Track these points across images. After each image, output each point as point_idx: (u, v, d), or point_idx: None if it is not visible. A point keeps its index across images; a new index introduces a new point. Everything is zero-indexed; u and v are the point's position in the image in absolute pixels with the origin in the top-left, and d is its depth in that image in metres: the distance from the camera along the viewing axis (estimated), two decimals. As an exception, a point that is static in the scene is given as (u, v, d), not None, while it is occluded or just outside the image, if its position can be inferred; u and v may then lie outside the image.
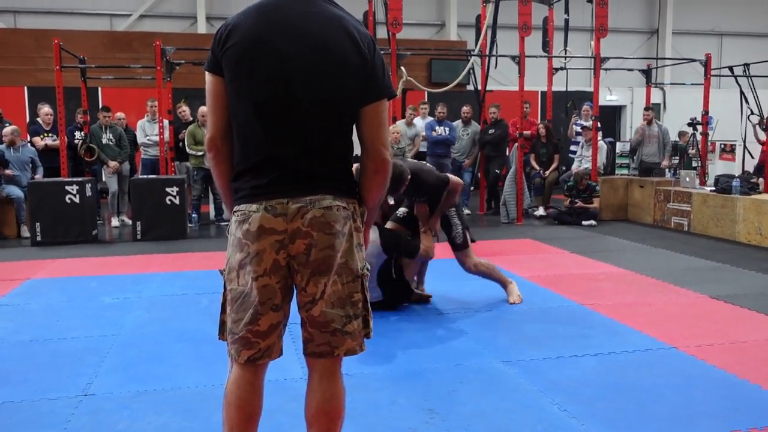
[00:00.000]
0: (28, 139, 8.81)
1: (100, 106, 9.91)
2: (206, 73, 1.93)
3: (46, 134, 8.73)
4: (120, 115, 9.49)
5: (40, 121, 8.84)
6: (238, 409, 1.98)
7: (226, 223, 8.47)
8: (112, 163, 8.68)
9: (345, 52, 1.87)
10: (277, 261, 1.88)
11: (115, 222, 8.93)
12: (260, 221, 1.85)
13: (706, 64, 10.02)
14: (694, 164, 11.12)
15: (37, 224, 7.45)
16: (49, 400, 3.03)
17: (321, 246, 1.87)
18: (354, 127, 1.96)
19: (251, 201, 1.87)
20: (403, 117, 9.86)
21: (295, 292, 1.98)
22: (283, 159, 1.87)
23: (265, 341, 1.94)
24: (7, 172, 7.84)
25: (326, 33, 1.87)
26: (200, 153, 8.38)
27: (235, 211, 1.93)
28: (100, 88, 12.46)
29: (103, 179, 8.95)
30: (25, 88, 12.80)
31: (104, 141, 8.72)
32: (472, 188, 10.24)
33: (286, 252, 1.87)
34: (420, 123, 9.93)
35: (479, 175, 10.32)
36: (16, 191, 7.87)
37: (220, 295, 1.99)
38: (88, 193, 7.70)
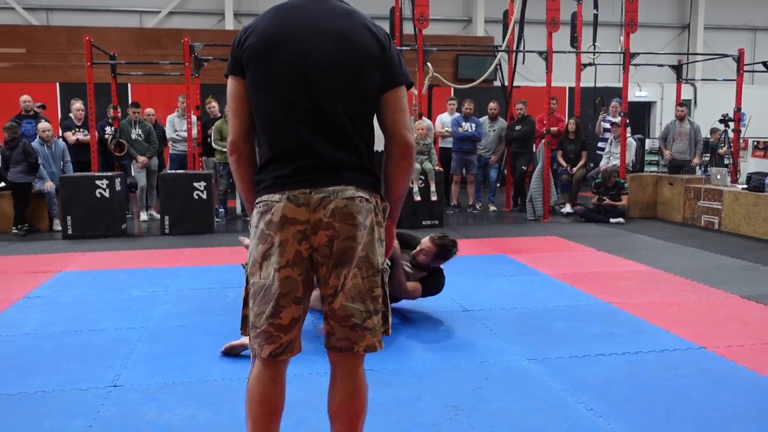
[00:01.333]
0: (60, 133, 8.97)
1: (130, 101, 10.05)
2: (228, 77, 1.96)
3: (77, 129, 8.89)
4: (150, 110, 9.62)
5: (72, 117, 8.99)
6: (260, 404, 1.99)
7: (253, 218, 8.32)
8: (141, 158, 8.79)
9: (366, 42, 1.91)
10: (299, 252, 1.87)
11: (143, 216, 9.06)
12: (283, 211, 1.85)
13: (739, 59, 9.82)
14: (725, 162, 10.93)
15: (68, 218, 7.59)
16: (80, 391, 3.09)
17: (343, 237, 1.86)
18: (375, 117, 1.98)
19: (274, 191, 1.87)
20: (429, 114, 9.84)
21: (317, 285, 1.98)
22: (307, 148, 1.87)
23: (287, 335, 1.94)
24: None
25: (347, 25, 1.91)
26: (226, 149, 8.46)
27: (257, 202, 1.92)
28: (129, 84, 12.64)
29: (132, 174, 9.08)
30: (57, 84, 13.03)
31: (133, 136, 8.84)
32: (498, 185, 10.19)
33: (308, 243, 1.87)
34: (447, 119, 9.90)
35: (506, 171, 10.26)
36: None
37: (242, 290, 1.99)
38: (118, 187, 7.81)
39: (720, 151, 11.02)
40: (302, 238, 1.86)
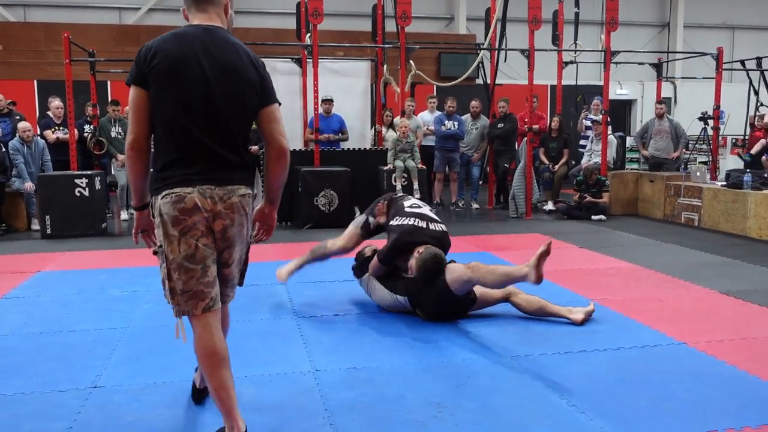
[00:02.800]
0: (39, 132, 8.85)
1: (110, 99, 9.94)
2: (131, 86, 2.32)
3: (57, 128, 8.77)
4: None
5: (51, 115, 8.87)
6: (211, 356, 2.39)
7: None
8: (121, 157, 8.70)
9: (248, 71, 2.40)
10: (208, 227, 2.36)
11: (124, 215, 8.96)
12: (194, 200, 2.30)
13: (718, 57, 9.93)
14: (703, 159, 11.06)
15: (47, 217, 7.49)
16: (59, 392, 3.05)
17: (235, 225, 2.40)
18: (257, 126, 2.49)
19: (185, 185, 2.30)
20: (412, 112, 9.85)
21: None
22: (210, 152, 2.34)
23: (213, 290, 2.40)
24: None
25: (232, 57, 2.38)
26: None
27: (168, 194, 2.31)
28: (109, 82, 12.49)
29: (113, 172, 8.98)
30: (35, 82, 12.85)
31: (113, 134, 8.74)
32: (481, 183, 10.22)
33: (210, 226, 2.36)
34: (428, 117, 9.91)
35: (488, 169, 10.29)
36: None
37: (162, 270, 2.40)
38: (98, 186, 7.72)
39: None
40: (206, 221, 2.34)
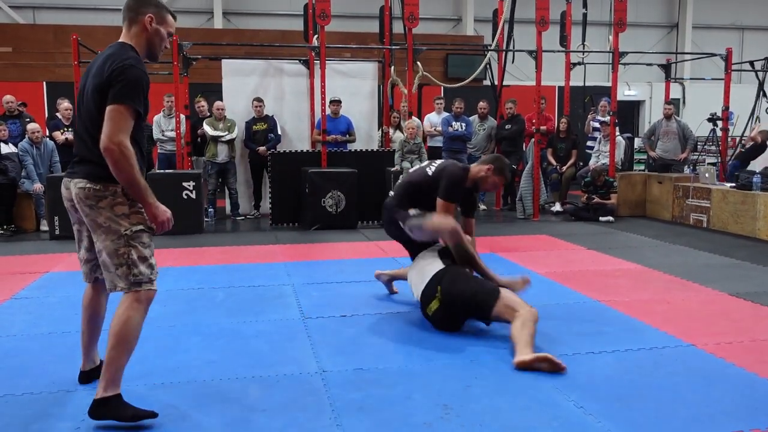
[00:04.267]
0: (48, 133, 8.89)
1: (118, 101, 9.96)
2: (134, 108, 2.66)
3: (65, 129, 8.81)
4: (137, 109, 9.54)
5: (60, 116, 8.91)
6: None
7: (242, 217, 8.49)
8: (129, 158, 8.72)
9: (97, 77, 2.65)
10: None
11: (132, 216, 8.98)
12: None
13: (727, 58, 9.88)
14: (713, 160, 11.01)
15: (56, 218, 7.53)
16: (67, 392, 3.06)
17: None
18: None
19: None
20: (419, 113, 9.85)
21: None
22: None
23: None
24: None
25: (98, 66, 2.69)
26: (221, 133, 8.79)
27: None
28: (117, 83, 12.54)
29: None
30: (44, 83, 12.93)
31: (121, 135, 8.76)
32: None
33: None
34: (435, 118, 9.90)
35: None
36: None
37: (149, 248, 2.87)
38: (106, 187, 7.73)
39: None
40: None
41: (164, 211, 2.85)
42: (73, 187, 2.71)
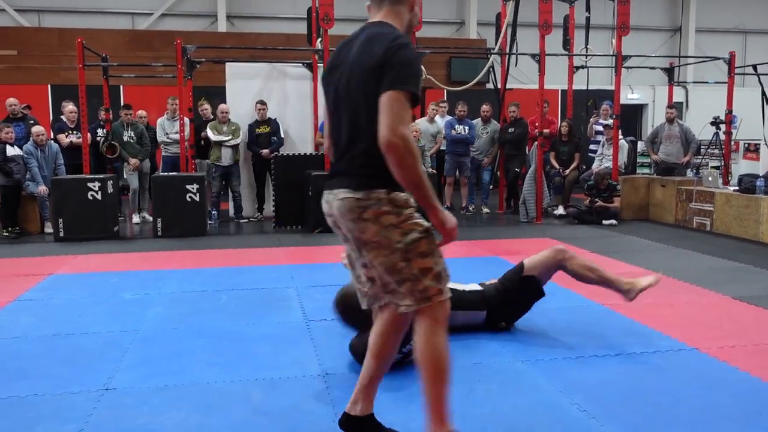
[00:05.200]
0: (52, 136, 8.92)
1: (122, 104, 10.01)
2: (411, 96, 2.21)
3: (70, 132, 8.83)
4: (141, 113, 9.57)
5: (65, 119, 8.94)
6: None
7: (245, 220, 8.49)
8: (133, 161, 8.76)
9: (374, 56, 2.25)
10: None
11: (136, 219, 9.02)
12: None
13: (730, 62, 9.87)
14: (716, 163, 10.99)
15: (60, 220, 7.55)
16: (71, 394, 3.07)
17: None
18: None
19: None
20: (423, 115, 9.86)
21: None
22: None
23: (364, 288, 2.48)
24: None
25: (365, 46, 2.29)
26: (224, 138, 8.74)
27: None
28: (122, 86, 12.59)
29: (125, 176, 9.05)
30: (49, 86, 12.97)
31: (125, 138, 8.80)
32: (491, 187, 10.20)
33: None
34: (440, 121, 9.91)
35: (498, 173, 10.27)
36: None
37: (437, 255, 2.34)
38: (110, 189, 7.78)
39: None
40: None
41: (451, 218, 2.36)
42: (333, 200, 2.34)
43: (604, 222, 8.63)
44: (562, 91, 12.95)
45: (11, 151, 7.86)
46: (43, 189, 7.95)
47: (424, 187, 2.22)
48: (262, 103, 8.94)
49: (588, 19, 10.19)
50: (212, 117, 9.20)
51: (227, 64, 9.45)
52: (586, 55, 10.11)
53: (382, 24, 2.35)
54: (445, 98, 11.15)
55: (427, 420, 2.37)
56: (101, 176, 7.88)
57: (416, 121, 9.92)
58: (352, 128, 2.29)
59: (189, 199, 7.84)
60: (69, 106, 8.91)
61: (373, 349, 2.50)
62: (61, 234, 7.55)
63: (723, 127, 10.17)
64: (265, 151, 8.83)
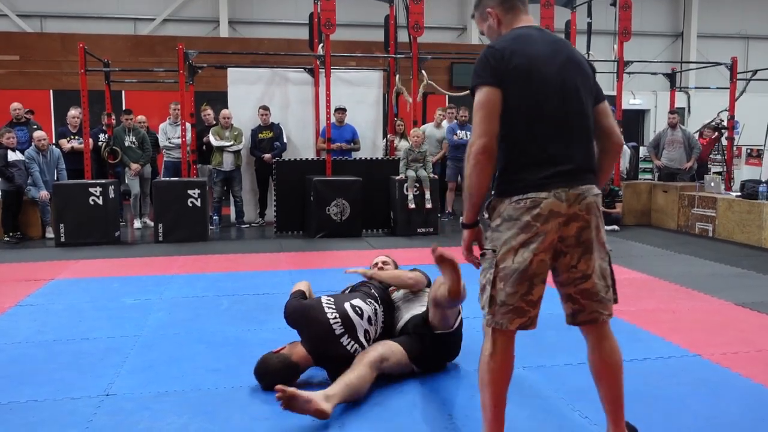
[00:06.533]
0: (54, 140, 8.94)
1: (123, 108, 10.03)
2: (481, 87, 2.23)
3: (72, 137, 8.85)
4: (141, 118, 9.57)
5: (69, 124, 8.96)
6: (501, 371, 2.34)
7: (246, 225, 8.44)
8: (134, 166, 8.77)
9: (587, 66, 2.42)
10: (553, 241, 2.23)
11: (137, 224, 9.03)
12: (551, 206, 2.20)
13: (732, 67, 9.87)
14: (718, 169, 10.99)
15: (61, 225, 7.55)
16: (72, 400, 3.06)
17: (593, 227, 2.28)
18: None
19: (540, 189, 2.20)
20: (424, 121, 9.87)
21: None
22: (560, 155, 2.24)
23: (534, 310, 2.29)
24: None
25: (574, 55, 2.40)
26: (226, 144, 8.73)
27: (520, 198, 2.22)
28: (123, 92, 12.62)
29: (126, 181, 9.06)
30: (51, 92, 13.00)
31: (127, 143, 8.82)
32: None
33: (560, 234, 2.23)
34: (446, 126, 9.91)
35: (500, 179, 10.27)
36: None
37: (490, 273, 2.26)
38: (111, 195, 7.78)
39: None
40: (558, 228, 2.22)
41: None
42: (590, 196, 2.28)
43: (606, 227, 8.57)
44: (563, 96, 12.94)
45: (13, 156, 7.88)
46: (44, 194, 7.95)
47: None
48: (265, 108, 8.95)
49: (590, 24, 10.21)
50: (215, 122, 9.21)
51: (229, 69, 9.46)
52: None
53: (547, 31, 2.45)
54: (447, 104, 11.14)
55: (618, 419, 2.46)
56: (103, 181, 7.89)
57: (423, 126, 9.95)
58: (584, 128, 2.35)
59: (190, 204, 7.84)
60: (72, 112, 8.92)
61: (611, 366, 2.45)
62: (63, 239, 7.55)
63: (725, 132, 10.16)
64: (267, 156, 8.84)
